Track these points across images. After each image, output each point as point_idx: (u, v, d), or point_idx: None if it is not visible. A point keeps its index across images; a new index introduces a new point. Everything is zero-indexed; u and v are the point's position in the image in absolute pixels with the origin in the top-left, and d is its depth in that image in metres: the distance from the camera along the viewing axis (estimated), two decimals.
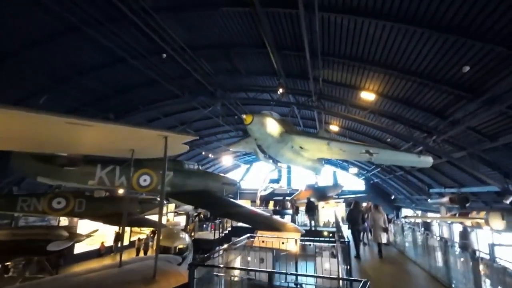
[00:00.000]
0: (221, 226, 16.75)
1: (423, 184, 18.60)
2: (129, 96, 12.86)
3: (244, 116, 8.79)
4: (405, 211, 28.01)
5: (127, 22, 8.26)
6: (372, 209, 10.93)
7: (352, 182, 33.39)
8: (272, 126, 9.49)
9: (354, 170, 17.44)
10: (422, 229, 13.28)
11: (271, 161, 10.56)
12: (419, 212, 23.22)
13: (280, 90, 10.33)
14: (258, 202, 32.01)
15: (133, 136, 5.99)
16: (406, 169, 17.61)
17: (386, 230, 10.26)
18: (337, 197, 24.37)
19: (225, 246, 7.12)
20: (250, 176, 38.78)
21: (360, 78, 9.76)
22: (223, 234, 16.08)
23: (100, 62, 10.40)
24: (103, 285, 4.62)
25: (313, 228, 14.87)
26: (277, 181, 34.37)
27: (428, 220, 16.94)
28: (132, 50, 9.68)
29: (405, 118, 10.95)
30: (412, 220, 16.53)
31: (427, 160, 8.96)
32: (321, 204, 32.71)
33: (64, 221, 18.36)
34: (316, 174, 13.53)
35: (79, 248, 19.33)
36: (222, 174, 16.60)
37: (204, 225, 23.23)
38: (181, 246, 15.73)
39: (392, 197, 29.42)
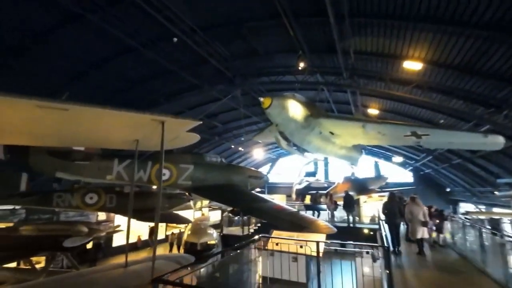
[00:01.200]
0: (248, 222, 15.90)
1: (488, 174, 15.56)
2: (147, 88, 12.50)
3: (261, 99, 7.66)
4: (464, 206, 24.34)
5: (128, 4, 7.67)
6: (409, 201, 9.33)
7: (399, 173, 30.24)
8: (295, 109, 8.21)
9: (399, 159, 15.15)
10: (489, 227, 10.83)
11: (296, 150, 9.28)
12: (482, 207, 19.81)
13: (301, 65, 8.91)
14: (293, 196, 30.72)
15: (125, 122, 5.24)
16: (465, 156, 14.83)
17: (425, 224, 8.78)
18: (380, 190, 21.98)
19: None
20: (285, 170, 37.62)
21: (402, 43, 7.91)
22: (252, 230, 15.21)
23: (110, 53, 10.07)
24: None
25: (351, 225, 13.22)
26: (313, 174, 32.56)
27: (497, 217, 14.07)
28: (140, 37, 9.15)
29: (464, 91, 8.76)
30: (476, 216, 13.86)
31: (496, 141, 6.84)
32: (362, 199, 30.40)
33: (102, 215, 19.27)
34: (352, 164, 11.86)
35: (117, 241, 20.14)
36: (247, 167, 15.70)
37: (235, 220, 22.70)
38: (212, 242, 15.29)
39: (448, 190, 25.77)
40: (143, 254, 20.39)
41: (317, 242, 5.74)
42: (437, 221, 10.21)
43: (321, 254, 6.15)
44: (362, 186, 20.81)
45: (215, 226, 22.61)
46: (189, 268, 5.08)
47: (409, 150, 21.35)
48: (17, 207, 13.03)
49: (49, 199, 11.30)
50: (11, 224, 9.48)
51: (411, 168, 27.18)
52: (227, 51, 10.19)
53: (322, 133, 9.05)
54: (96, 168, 9.28)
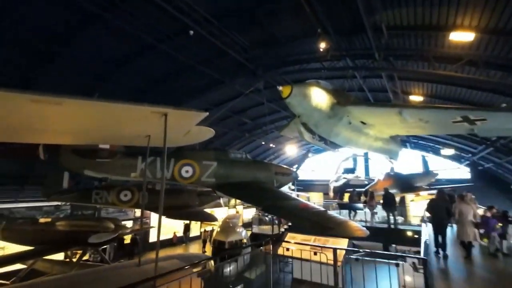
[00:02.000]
0: (279, 220, 15.22)
1: None
2: (170, 86, 12.52)
3: (280, 88, 6.97)
4: None
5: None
6: (458, 200, 8.09)
7: (453, 169, 26.88)
8: (319, 97, 7.36)
9: (449, 151, 13.04)
10: None
11: (322, 143, 8.38)
12: None
13: (323, 45, 7.92)
14: (331, 194, 29.21)
15: (125, 115, 5.00)
16: None
17: (477, 225, 7.76)
18: (428, 188, 19.61)
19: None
20: (321, 166, 36.02)
21: (447, 10, 6.51)
22: (283, 229, 14.51)
23: (129, 52, 10.18)
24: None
25: (392, 226, 11.77)
26: (352, 170, 30.56)
27: None
28: (156, 32, 9.03)
29: None
30: None
31: None
32: (409, 197, 27.65)
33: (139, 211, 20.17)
34: (391, 159, 10.52)
35: (154, 237, 20.94)
36: (274, 163, 15.00)
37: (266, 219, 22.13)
38: (245, 241, 14.97)
39: None
40: (178, 250, 20.97)
41: (334, 249, 4.87)
42: (500, 224, 8.46)
43: (339, 263, 5.25)
44: (407, 183, 18.75)
45: (248, 225, 22.37)
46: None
47: (463, 141, 18.64)
48: (60, 203, 14.03)
49: (88, 196, 11.93)
50: (49, 220, 10.11)
51: (467, 162, 23.89)
52: (245, 41, 9.63)
53: (352, 123, 8.03)
54: (121, 166, 9.43)
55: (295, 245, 5.85)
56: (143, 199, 7.65)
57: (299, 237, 4.67)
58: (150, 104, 4.95)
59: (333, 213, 7.78)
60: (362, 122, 8.04)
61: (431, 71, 7.93)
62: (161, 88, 12.30)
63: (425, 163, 22.09)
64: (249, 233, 17.28)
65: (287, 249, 5.99)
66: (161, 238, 16.87)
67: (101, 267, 6.60)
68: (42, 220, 10.04)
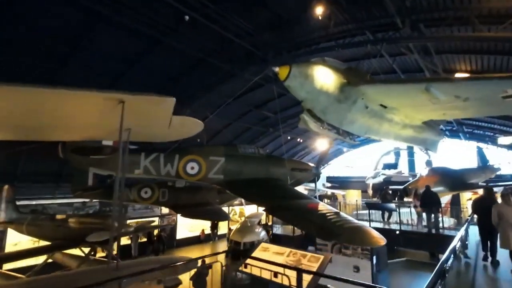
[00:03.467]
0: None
1: None
2: (183, 83, 12.16)
3: (276, 69, 5.98)
4: None
5: None
6: (500, 200, 6.58)
7: None
8: (325, 78, 6.19)
9: (508, 139, 10.41)
10: None
11: (334, 132, 7.09)
12: None
13: (320, 11, 6.53)
14: (370, 192, 26.84)
15: (79, 104, 4.51)
16: None
17: None
18: (487, 185, 16.55)
19: None
20: (360, 162, 33.35)
21: None
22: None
23: (138, 50, 9.98)
24: None
25: (432, 231, 9.82)
26: (394, 166, 27.72)
27: None
28: (158, 25, 8.65)
29: None
30: None
31: None
32: (465, 196, 24.04)
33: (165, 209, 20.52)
34: (428, 150, 8.73)
35: (181, 233, 21.14)
36: (292, 159, 13.82)
37: None
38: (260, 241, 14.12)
39: None
40: (205, 248, 20.92)
41: (298, 271, 3.65)
42: None
43: None
44: (457, 180, 15.99)
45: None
46: None
47: None
48: (87, 200, 14.66)
49: (111, 193, 12.23)
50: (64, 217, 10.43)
51: None
52: (249, 25, 8.72)
53: (370, 108, 6.64)
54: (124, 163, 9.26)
55: (252, 260, 4.60)
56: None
57: (273, 249, 3.63)
58: (104, 90, 4.38)
59: (348, 216, 6.49)
60: (382, 106, 6.60)
61: (476, 34, 6.08)
62: (177, 85, 12.02)
63: (481, 156, 18.76)
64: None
65: (245, 266, 4.87)
66: (189, 235, 16.78)
67: (75, 270, 6.43)
68: (58, 216, 10.39)
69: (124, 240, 17.98)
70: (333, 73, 6.27)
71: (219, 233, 22.53)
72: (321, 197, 31.39)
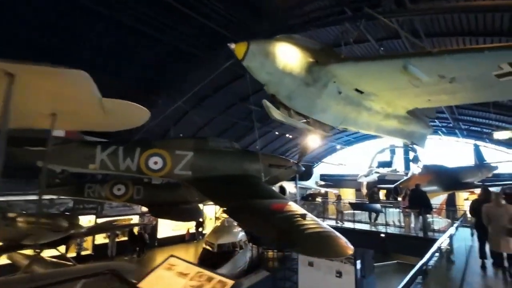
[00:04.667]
0: None
1: None
2: (166, 75, 11.27)
3: (232, 46, 5.03)
4: None
5: None
6: (493, 200, 6.31)
7: None
8: (289, 57, 5.27)
9: (504, 134, 9.51)
10: None
11: (303, 122, 6.15)
12: None
13: None
14: (364, 190, 25.94)
15: None
16: None
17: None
18: (482, 184, 15.66)
19: None
20: (355, 159, 32.34)
21: None
22: None
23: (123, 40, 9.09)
24: None
25: (418, 234, 8.89)
26: (388, 164, 26.75)
27: None
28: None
29: None
30: None
31: None
32: (462, 196, 23.18)
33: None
34: (415, 144, 7.80)
35: (164, 232, 20.27)
36: (270, 154, 12.91)
37: None
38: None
39: None
40: (190, 248, 20.09)
41: None
42: None
43: None
44: (452, 179, 15.09)
45: None
46: None
47: None
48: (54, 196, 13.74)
49: (80, 189, 11.39)
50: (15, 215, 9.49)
51: None
52: (221, 5, 7.82)
53: (344, 93, 5.69)
54: (78, 156, 8.34)
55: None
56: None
57: (179, 268, 2.81)
58: None
59: (315, 219, 5.58)
60: (358, 91, 5.65)
61: (464, 3, 5.11)
62: (157, 75, 11.15)
63: (478, 153, 17.87)
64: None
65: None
66: (173, 234, 15.80)
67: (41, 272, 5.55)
68: (10, 214, 9.47)
69: (101, 239, 17.17)
70: (299, 52, 5.33)
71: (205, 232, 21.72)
72: (314, 196, 30.64)
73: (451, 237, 6.30)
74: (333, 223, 12.24)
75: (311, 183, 28.97)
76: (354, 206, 11.84)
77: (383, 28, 8.13)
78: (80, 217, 16.29)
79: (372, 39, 8.20)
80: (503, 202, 6.26)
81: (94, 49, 9.65)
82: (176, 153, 8.59)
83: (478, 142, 20.10)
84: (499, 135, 9.52)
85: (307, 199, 25.60)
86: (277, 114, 5.78)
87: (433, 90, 4.93)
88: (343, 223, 11.20)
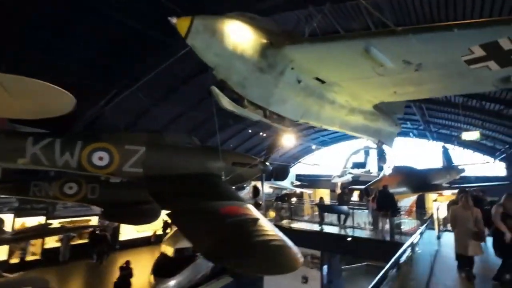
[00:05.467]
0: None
1: None
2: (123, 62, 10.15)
3: (173, 21, 4.21)
4: None
5: None
6: (460, 202, 6.24)
7: (484, 164, 22.48)
8: (239, 36, 4.53)
9: (472, 134, 9.48)
10: None
11: (259, 114, 5.45)
12: None
13: None
14: (338, 191, 25.87)
15: None
16: None
17: (480, 237, 5.83)
18: (449, 186, 15.88)
19: None
20: (331, 160, 32.36)
21: None
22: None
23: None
24: None
25: (385, 238, 8.52)
26: (362, 165, 26.90)
27: None
28: None
29: None
30: None
31: None
32: (431, 198, 23.61)
33: None
34: (382, 144, 7.34)
35: (127, 234, 18.94)
36: (233, 151, 12.19)
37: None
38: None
39: None
40: (157, 251, 18.89)
41: None
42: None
43: None
44: (421, 181, 15.10)
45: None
46: None
47: (497, 126, 14.63)
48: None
49: (24, 188, 10.11)
50: None
51: (502, 156, 19.51)
52: None
53: (304, 82, 5.03)
54: (2, 149, 7.14)
55: None
56: None
57: None
58: None
59: (268, 226, 4.88)
60: (319, 80, 5.01)
61: None
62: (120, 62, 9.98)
63: (447, 156, 18.16)
64: None
65: None
66: (139, 235, 14.37)
67: None
68: None
69: (52, 243, 15.61)
70: (252, 31, 4.60)
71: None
72: (290, 196, 30.28)
73: (412, 247, 5.87)
74: (303, 225, 11.77)
75: (287, 183, 28.57)
76: (322, 208, 11.36)
77: (353, 19, 7.63)
78: (27, 218, 14.69)
79: (341, 30, 7.66)
80: (470, 204, 6.12)
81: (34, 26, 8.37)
82: (125, 148, 7.61)
83: (447, 145, 20.52)
84: (467, 135, 9.40)
85: (283, 199, 25.11)
86: (227, 103, 5.00)
87: (398, 80, 4.39)
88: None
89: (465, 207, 6.05)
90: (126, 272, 11.63)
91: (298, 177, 30.83)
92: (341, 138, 30.02)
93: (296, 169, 32.26)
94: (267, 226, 4.79)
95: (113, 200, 10.72)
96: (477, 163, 22.03)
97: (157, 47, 9.78)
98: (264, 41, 4.61)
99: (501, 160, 21.01)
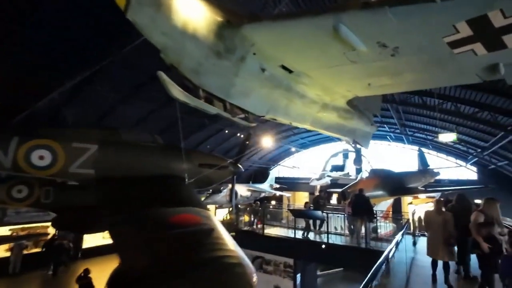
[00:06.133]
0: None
1: None
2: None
3: None
4: None
5: None
6: (435, 206, 6.17)
7: (456, 168, 23.05)
8: (190, 11, 3.78)
9: (449, 136, 9.40)
10: None
11: (219, 108, 4.75)
12: None
13: None
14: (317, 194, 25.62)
15: None
16: None
17: (450, 241, 5.66)
18: (424, 189, 15.90)
19: None
20: (311, 163, 32.16)
21: None
22: None
23: None
24: None
25: (361, 245, 8.04)
26: (341, 168, 26.82)
27: None
28: None
29: None
30: None
31: None
32: (406, 201, 23.82)
33: None
34: (357, 144, 6.84)
35: (92, 241, 17.49)
36: (201, 151, 11.44)
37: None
38: None
39: None
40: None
41: None
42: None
43: None
44: (397, 184, 14.97)
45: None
46: None
47: (471, 131, 14.83)
48: None
49: None
50: None
51: (474, 160, 19.97)
52: None
53: (268, 71, 4.37)
54: None
55: None
56: None
57: None
58: None
59: (225, 237, 4.15)
60: (286, 69, 4.38)
61: None
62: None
63: (422, 159, 18.29)
64: None
65: None
66: (104, 242, 12.86)
67: None
68: None
69: (1, 252, 13.99)
70: (206, 6, 3.87)
71: None
72: (270, 199, 29.71)
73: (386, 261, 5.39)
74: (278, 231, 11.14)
75: (266, 186, 27.98)
76: (294, 213, 10.76)
77: (324, 2, 7.12)
78: None
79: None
80: (443, 209, 6.10)
81: None
82: (73, 146, 6.64)
83: (422, 149, 20.77)
84: (444, 137, 9.21)
85: (262, 202, 24.45)
86: (178, 92, 4.23)
87: (373, 69, 3.83)
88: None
89: (438, 212, 5.97)
90: (84, 281, 10.50)
91: (278, 179, 30.37)
92: (321, 140, 29.94)
93: (275, 172, 31.79)
94: (221, 239, 4.06)
95: (71, 205, 9.60)
96: (451, 166, 22.52)
97: (115, 34, 8.82)
98: (220, 19, 3.90)
99: (472, 164, 21.56)
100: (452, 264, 5.95)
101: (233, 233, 11.84)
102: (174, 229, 4.10)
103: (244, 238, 10.66)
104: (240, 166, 9.74)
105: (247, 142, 9.85)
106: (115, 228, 4.42)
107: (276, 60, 4.24)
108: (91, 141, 6.87)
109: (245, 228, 11.35)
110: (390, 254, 5.24)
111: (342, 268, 14.79)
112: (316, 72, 4.33)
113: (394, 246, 5.80)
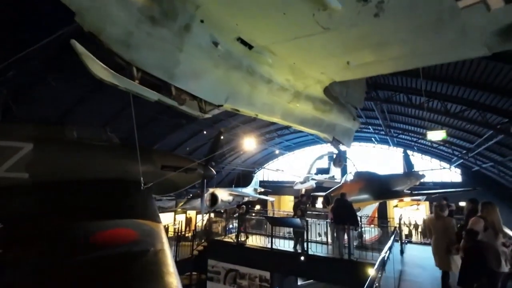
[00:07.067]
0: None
1: None
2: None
3: None
4: None
5: None
6: (434, 211, 5.69)
7: (441, 170, 22.86)
8: None
9: (438, 134, 8.82)
10: None
11: (164, 96, 3.79)
12: None
13: None
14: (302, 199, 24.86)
15: None
16: None
17: (451, 250, 4.99)
18: (410, 193, 15.37)
19: None
20: (295, 166, 31.48)
21: None
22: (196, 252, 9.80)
23: None
24: None
25: (344, 256, 7.17)
26: (326, 171, 26.22)
27: None
28: None
29: None
30: None
31: None
32: (391, 204, 23.40)
33: None
34: (337, 142, 5.96)
35: None
36: (168, 152, 10.38)
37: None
38: None
39: None
40: None
41: None
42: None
43: None
44: (382, 187, 14.32)
45: None
46: None
47: (456, 131, 14.48)
48: None
49: None
50: None
51: (459, 162, 19.74)
52: None
53: (222, 45, 3.42)
54: None
55: None
56: None
57: None
58: None
59: (162, 262, 3.14)
60: (244, 43, 3.45)
61: None
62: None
63: (407, 161, 17.84)
64: None
65: None
66: None
67: None
68: None
69: None
70: None
71: None
72: (254, 204, 28.65)
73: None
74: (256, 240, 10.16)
75: (250, 190, 26.98)
76: (271, 221, 9.79)
77: None
78: None
79: None
80: (444, 214, 5.51)
81: None
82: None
83: (407, 151, 20.41)
84: (432, 135, 8.58)
85: (247, 207, 23.39)
86: (100, 70, 3.19)
87: (351, 40, 2.96)
88: None
89: (437, 217, 5.49)
90: None
91: (262, 183, 29.47)
92: (306, 142, 29.34)
93: (259, 175, 30.89)
94: (155, 265, 3.06)
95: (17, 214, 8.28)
96: (435, 168, 22.30)
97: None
98: None
99: (457, 166, 21.38)
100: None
101: (205, 243, 10.77)
102: (90, 252, 3.06)
103: (218, 248, 9.62)
104: (211, 169, 8.74)
105: (219, 141, 8.84)
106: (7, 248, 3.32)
107: (230, 31, 3.31)
108: (23, 138, 5.69)
109: (218, 238, 10.28)
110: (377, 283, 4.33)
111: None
112: (281, 47, 3.42)
113: (380, 271, 4.87)
